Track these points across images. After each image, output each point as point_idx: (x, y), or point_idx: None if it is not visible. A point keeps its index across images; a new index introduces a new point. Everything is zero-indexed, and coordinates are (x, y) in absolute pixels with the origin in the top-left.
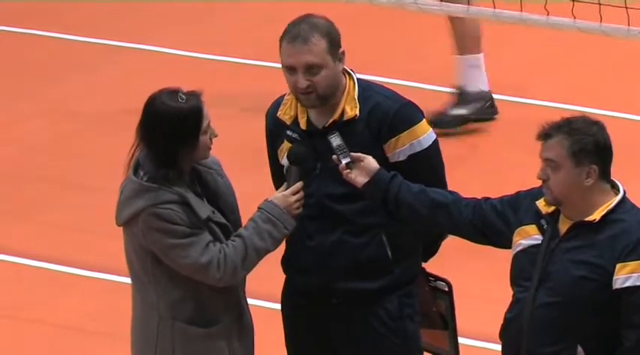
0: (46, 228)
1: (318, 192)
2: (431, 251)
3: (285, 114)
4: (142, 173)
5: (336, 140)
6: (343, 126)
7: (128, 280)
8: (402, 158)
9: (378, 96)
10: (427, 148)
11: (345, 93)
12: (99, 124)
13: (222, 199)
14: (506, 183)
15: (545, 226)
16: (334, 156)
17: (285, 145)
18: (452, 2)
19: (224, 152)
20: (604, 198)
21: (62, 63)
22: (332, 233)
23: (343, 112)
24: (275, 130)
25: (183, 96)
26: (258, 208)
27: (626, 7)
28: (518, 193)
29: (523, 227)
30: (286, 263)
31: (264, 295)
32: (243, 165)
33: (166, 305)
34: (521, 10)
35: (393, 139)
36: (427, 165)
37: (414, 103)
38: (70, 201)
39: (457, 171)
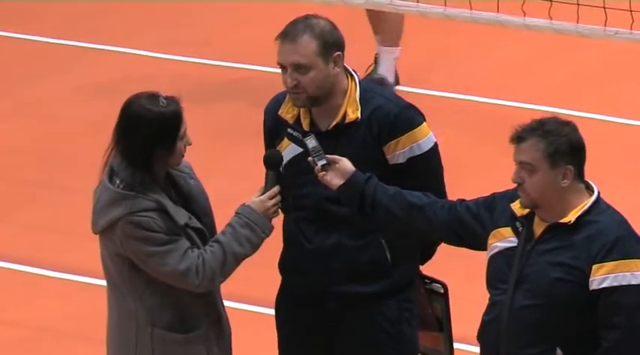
0: (23, 230)
1: (317, 194)
2: (427, 254)
3: (287, 113)
4: (117, 181)
5: (311, 142)
6: (345, 128)
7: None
8: (401, 160)
9: (379, 98)
10: (427, 152)
11: (347, 96)
12: (76, 126)
13: (195, 202)
14: (481, 184)
15: (520, 228)
16: (310, 158)
17: (285, 143)
18: None
19: (207, 151)
20: (579, 199)
21: (39, 64)
22: (331, 236)
23: (345, 115)
24: (274, 128)
25: (164, 100)
26: (236, 213)
27: (604, 8)
28: (493, 195)
29: (498, 229)
30: (283, 266)
31: (242, 297)
32: (224, 165)
33: (145, 312)
34: (498, 11)
35: (393, 142)
36: (426, 169)
37: (414, 106)
38: (46, 202)
39: None
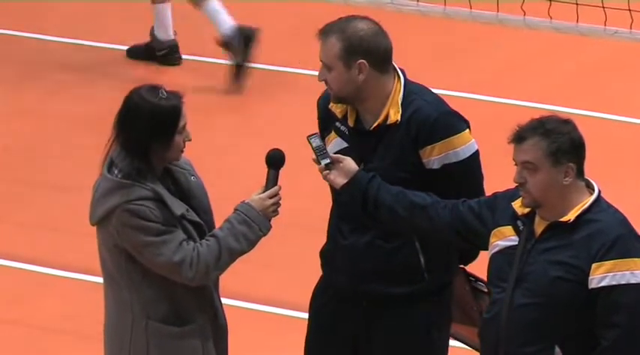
0: (23, 228)
1: None
2: (471, 255)
3: (336, 108)
4: (116, 171)
5: (315, 141)
6: (387, 129)
7: None
8: (435, 166)
9: (420, 100)
10: (463, 160)
11: (391, 98)
12: (74, 125)
13: (194, 199)
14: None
15: (521, 227)
16: (313, 157)
17: (332, 135)
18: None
19: (199, 153)
20: (580, 197)
21: (37, 63)
22: (365, 235)
23: (387, 116)
24: (327, 119)
25: (165, 92)
26: (234, 209)
27: (603, 7)
28: (495, 194)
29: (499, 228)
30: (323, 258)
31: (240, 295)
32: (219, 165)
33: (140, 304)
34: (498, 11)
35: (429, 147)
36: (462, 176)
37: (456, 112)
38: (46, 200)
39: None
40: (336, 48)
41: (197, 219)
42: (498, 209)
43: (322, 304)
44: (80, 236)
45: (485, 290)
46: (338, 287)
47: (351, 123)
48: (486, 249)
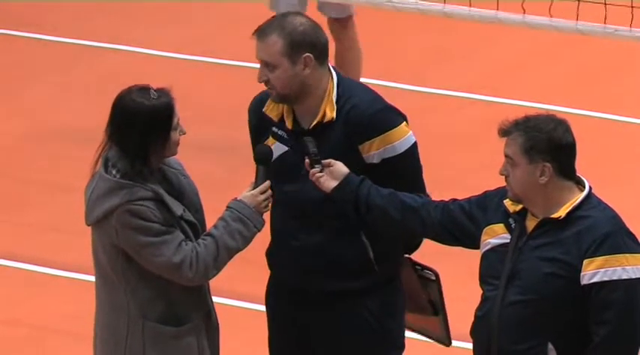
0: (23, 228)
1: (302, 192)
2: (414, 244)
3: (271, 111)
4: (113, 171)
5: (311, 146)
6: (325, 127)
7: None
8: (375, 161)
9: (355, 98)
10: (402, 153)
11: (327, 96)
12: (75, 124)
13: (186, 198)
14: (480, 183)
15: (513, 225)
16: (306, 161)
17: (271, 141)
18: None
19: (198, 152)
20: (568, 195)
21: (38, 63)
22: (315, 233)
23: (325, 114)
24: (260, 126)
25: (155, 92)
26: (228, 207)
27: (605, 4)
28: (485, 193)
29: (491, 226)
30: (270, 258)
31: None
32: (219, 164)
33: (136, 304)
34: (497, 9)
35: (367, 143)
36: (402, 170)
37: (392, 107)
38: (46, 201)
39: (434, 172)
40: (278, 45)
41: (192, 218)
42: (490, 207)
43: (276, 303)
44: (80, 236)
45: (433, 278)
46: (289, 285)
47: (289, 125)
48: (477, 248)
